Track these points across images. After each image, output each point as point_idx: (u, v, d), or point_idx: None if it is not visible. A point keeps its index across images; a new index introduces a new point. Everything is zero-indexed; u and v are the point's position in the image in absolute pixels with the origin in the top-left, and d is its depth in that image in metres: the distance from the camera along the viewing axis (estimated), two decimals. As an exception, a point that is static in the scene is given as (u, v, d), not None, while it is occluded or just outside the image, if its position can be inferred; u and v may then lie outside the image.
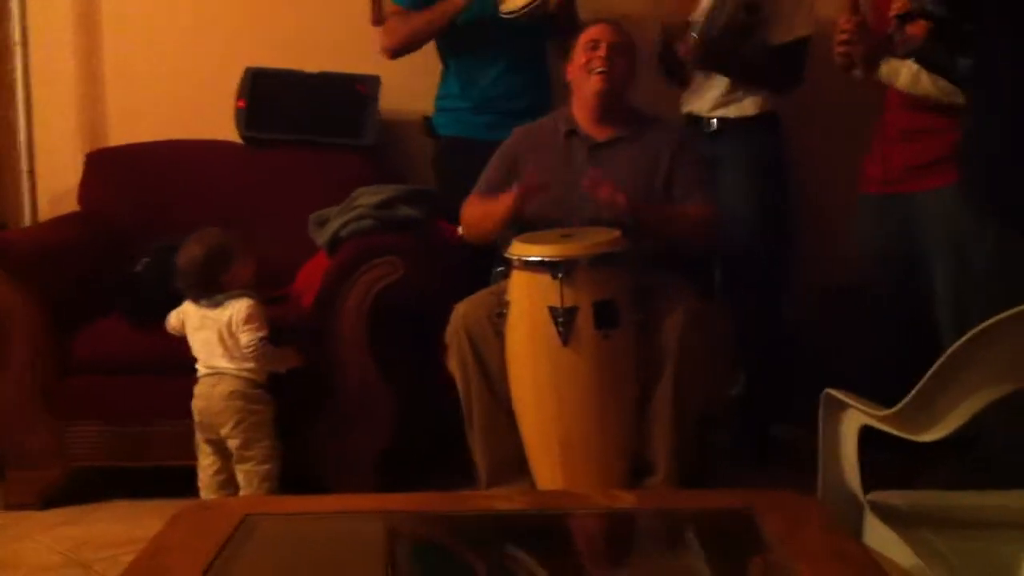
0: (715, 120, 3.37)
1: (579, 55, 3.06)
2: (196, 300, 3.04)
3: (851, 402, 2.37)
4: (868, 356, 3.09)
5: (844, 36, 2.79)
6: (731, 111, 3.37)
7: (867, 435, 2.38)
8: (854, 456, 2.40)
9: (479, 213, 3.03)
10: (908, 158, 2.88)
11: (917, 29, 2.60)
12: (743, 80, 3.34)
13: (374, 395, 3.15)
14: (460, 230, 3.28)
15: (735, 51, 3.25)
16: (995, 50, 2.27)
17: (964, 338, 2.05)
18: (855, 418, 2.37)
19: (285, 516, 2.09)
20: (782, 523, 1.91)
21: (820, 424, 2.48)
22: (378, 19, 3.80)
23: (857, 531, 2.35)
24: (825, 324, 3.60)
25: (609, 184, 2.80)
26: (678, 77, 3.47)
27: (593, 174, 2.84)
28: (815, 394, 2.50)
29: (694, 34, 3.20)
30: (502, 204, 2.91)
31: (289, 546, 2.00)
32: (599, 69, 3.01)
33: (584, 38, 3.06)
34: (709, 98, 3.38)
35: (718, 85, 3.37)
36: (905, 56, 2.70)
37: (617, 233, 2.77)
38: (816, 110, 3.60)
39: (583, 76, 3.04)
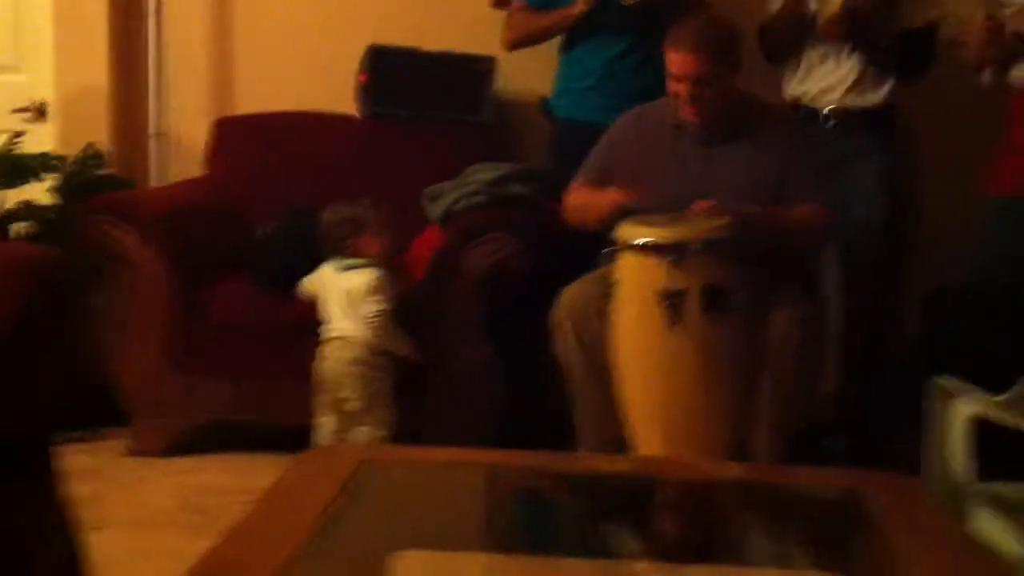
0: (831, 114, 3.21)
1: (668, 76, 2.91)
2: (331, 259, 3.13)
3: (961, 389, 2.35)
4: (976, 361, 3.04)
5: (981, 36, 2.73)
6: (857, 100, 3.21)
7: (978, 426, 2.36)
8: (963, 445, 2.37)
9: (581, 203, 2.98)
10: None
11: None
12: (875, 62, 3.19)
13: (484, 369, 3.20)
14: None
15: (875, 26, 3.11)
16: None
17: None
18: (965, 406, 2.35)
19: (398, 463, 2.17)
20: (886, 502, 1.91)
21: (928, 413, 2.46)
22: (498, 1, 3.86)
23: (964, 520, 2.33)
24: (936, 325, 3.55)
25: (710, 204, 2.74)
26: (780, 55, 3.31)
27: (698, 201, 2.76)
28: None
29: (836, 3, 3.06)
30: (606, 199, 2.87)
31: (401, 490, 2.07)
32: (687, 106, 2.88)
33: (668, 64, 2.89)
34: (831, 84, 3.23)
35: (845, 70, 3.21)
36: None
37: (728, 219, 2.71)
38: (929, 108, 3.49)
39: (676, 101, 2.91)
